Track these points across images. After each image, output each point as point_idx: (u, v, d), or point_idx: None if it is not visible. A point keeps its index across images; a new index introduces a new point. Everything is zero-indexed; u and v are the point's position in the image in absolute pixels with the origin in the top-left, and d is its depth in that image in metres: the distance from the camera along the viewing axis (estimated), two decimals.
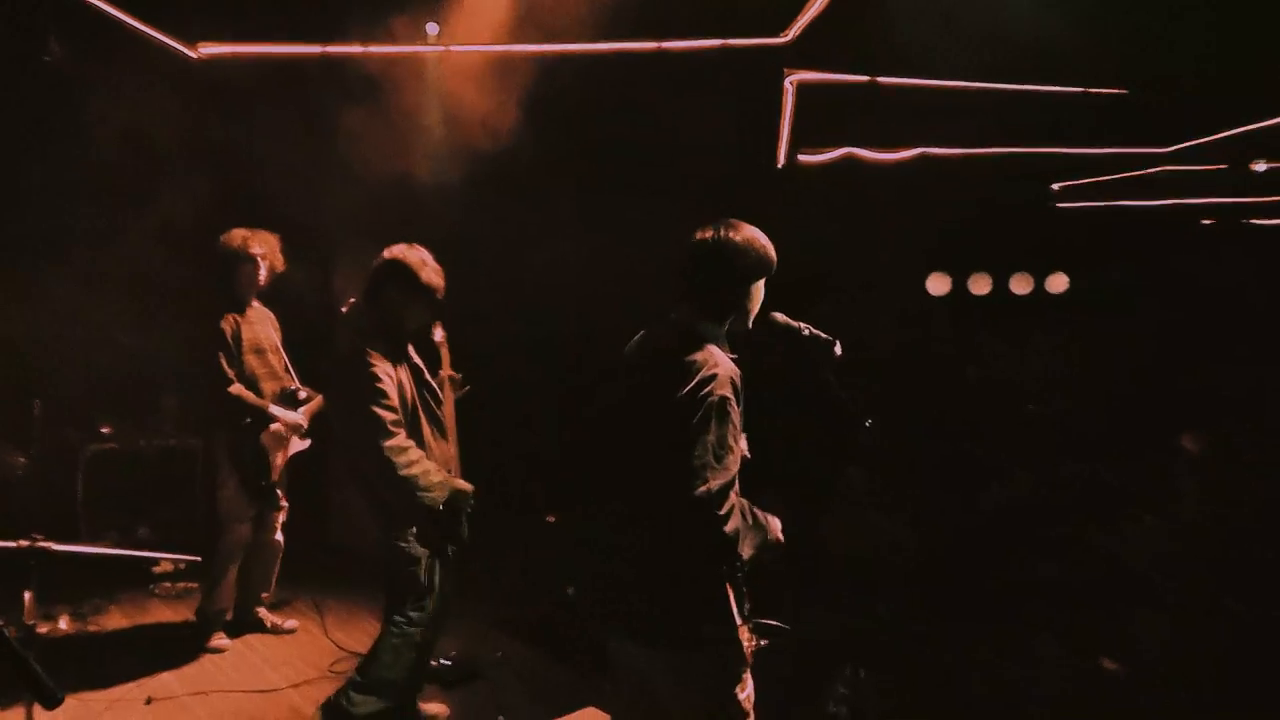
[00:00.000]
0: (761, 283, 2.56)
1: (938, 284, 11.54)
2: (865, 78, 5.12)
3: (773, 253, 2.54)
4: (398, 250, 3.58)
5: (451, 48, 4.85)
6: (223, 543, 4.66)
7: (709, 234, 2.50)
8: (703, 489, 2.22)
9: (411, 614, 3.58)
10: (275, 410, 4.66)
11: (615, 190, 6.27)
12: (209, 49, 4.75)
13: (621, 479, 2.49)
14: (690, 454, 2.24)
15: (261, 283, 4.76)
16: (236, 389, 4.59)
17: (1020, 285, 11.69)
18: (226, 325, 4.62)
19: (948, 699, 4.38)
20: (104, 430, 5.76)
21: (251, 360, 4.71)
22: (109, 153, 5.09)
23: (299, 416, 4.76)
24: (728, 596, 2.38)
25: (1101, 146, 6.66)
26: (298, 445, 4.88)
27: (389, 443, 3.29)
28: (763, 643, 2.44)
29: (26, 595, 2.86)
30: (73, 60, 4.44)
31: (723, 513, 2.25)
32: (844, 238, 7.62)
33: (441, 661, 4.43)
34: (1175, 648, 4.66)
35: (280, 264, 4.80)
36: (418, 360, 3.67)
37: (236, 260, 4.63)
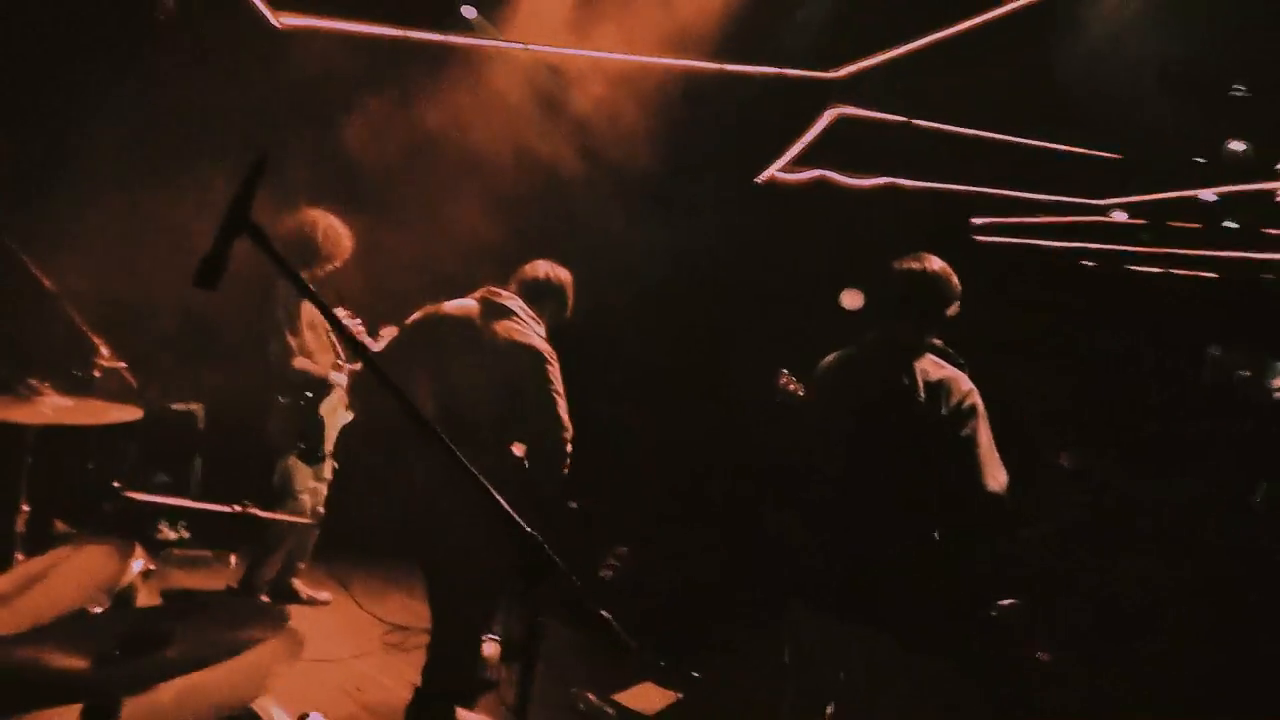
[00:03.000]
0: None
1: (852, 299, 12.38)
2: (903, 118, 5.60)
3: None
4: (543, 268, 3.76)
5: (530, 47, 5.00)
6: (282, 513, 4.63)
7: (919, 265, 2.89)
8: (995, 486, 2.55)
9: None
10: (336, 378, 4.72)
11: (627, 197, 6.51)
12: (290, 20, 4.72)
13: (874, 485, 2.72)
14: (974, 456, 2.56)
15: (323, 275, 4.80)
16: (301, 362, 4.61)
17: None
18: (287, 300, 4.63)
19: None
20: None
21: (307, 335, 4.73)
22: (191, 116, 4.93)
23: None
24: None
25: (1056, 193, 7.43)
26: (346, 417, 4.93)
27: (567, 434, 3.48)
28: None
29: (232, 558, 2.92)
30: (182, 21, 4.31)
31: (1011, 509, 2.60)
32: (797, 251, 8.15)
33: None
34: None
35: (344, 258, 4.79)
36: None
37: (310, 251, 4.62)
